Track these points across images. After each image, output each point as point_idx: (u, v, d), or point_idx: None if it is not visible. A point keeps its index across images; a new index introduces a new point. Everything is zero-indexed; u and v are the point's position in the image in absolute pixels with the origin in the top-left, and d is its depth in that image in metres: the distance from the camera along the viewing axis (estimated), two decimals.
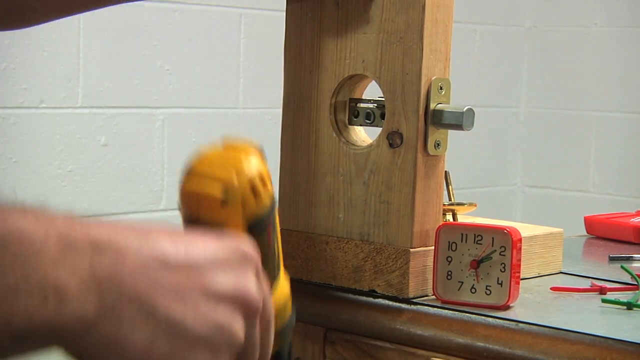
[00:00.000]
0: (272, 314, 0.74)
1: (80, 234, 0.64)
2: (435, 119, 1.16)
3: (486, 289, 1.14)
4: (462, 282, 1.15)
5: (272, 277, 0.81)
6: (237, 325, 0.69)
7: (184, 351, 0.66)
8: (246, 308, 0.70)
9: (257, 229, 0.78)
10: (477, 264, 1.14)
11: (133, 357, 0.65)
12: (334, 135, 1.22)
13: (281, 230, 1.25)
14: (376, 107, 1.20)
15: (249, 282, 0.70)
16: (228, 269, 0.69)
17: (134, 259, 0.65)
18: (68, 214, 0.66)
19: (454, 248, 1.15)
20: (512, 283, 1.13)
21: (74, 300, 0.62)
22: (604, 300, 1.18)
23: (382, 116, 1.19)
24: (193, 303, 0.67)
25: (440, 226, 1.16)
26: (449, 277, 1.15)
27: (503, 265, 1.13)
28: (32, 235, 0.62)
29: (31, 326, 0.61)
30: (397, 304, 1.17)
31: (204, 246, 0.69)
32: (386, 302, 1.17)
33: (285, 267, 1.21)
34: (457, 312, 1.14)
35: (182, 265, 0.67)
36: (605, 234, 1.69)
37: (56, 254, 0.62)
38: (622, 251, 1.55)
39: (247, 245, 0.72)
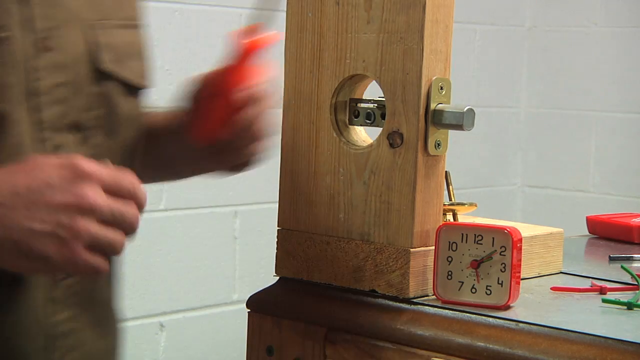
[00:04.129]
0: (125, 188, 1.01)
1: None
2: (436, 119, 1.16)
3: (486, 289, 1.14)
4: (463, 282, 1.15)
5: None
6: (77, 222, 0.98)
7: (39, 245, 0.98)
8: (80, 209, 0.98)
9: None
10: (477, 264, 1.14)
11: (9, 260, 0.99)
12: (335, 135, 1.22)
13: (282, 230, 1.26)
14: (376, 107, 1.20)
15: (80, 191, 0.98)
16: (63, 187, 0.99)
17: None
18: None
19: (454, 248, 1.15)
20: (512, 283, 1.13)
21: None
22: (604, 300, 1.18)
23: (383, 116, 1.19)
24: (38, 214, 0.98)
25: (440, 226, 1.16)
26: (449, 277, 1.15)
27: (503, 265, 1.13)
28: None
29: None
30: (398, 304, 1.17)
31: (43, 176, 0.99)
32: (386, 302, 1.17)
33: (286, 267, 1.22)
34: (457, 312, 1.14)
35: (27, 192, 0.98)
36: (607, 234, 1.70)
37: None
38: (623, 251, 1.55)
39: (79, 163, 0.99)
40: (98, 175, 1.01)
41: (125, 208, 1.01)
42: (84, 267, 0.99)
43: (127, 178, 1.03)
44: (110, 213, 1.00)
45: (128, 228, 1.02)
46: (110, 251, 1.01)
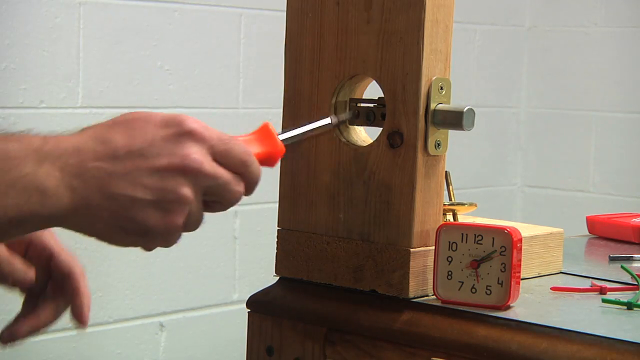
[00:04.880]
0: (236, 157, 0.92)
1: (49, 147, 0.87)
2: (436, 119, 1.16)
3: (486, 289, 1.14)
4: (463, 282, 1.15)
5: None
6: (180, 188, 0.89)
7: (141, 215, 0.89)
8: (186, 172, 0.89)
9: None
10: (477, 264, 1.14)
11: (107, 230, 0.89)
12: (335, 135, 1.22)
13: (282, 230, 1.26)
14: (376, 107, 1.20)
15: (185, 152, 0.89)
16: (167, 147, 0.89)
17: (92, 158, 0.88)
18: (42, 136, 0.88)
19: (454, 248, 1.15)
20: (512, 283, 1.13)
21: (52, 196, 0.86)
22: (604, 300, 1.18)
23: (383, 116, 1.19)
24: (141, 181, 0.88)
25: (440, 226, 1.16)
26: (449, 277, 1.15)
27: (503, 265, 1.13)
28: (15, 153, 0.86)
29: (22, 216, 0.86)
30: (398, 304, 1.17)
31: (145, 132, 0.89)
32: (386, 302, 1.17)
33: (286, 266, 1.21)
34: (457, 312, 1.14)
35: (129, 155, 0.88)
36: (607, 234, 1.70)
37: (33, 165, 0.86)
38: (623, 251, 1.55)
39: (185, 121, 0.90)
40: (207, 137, 0.91)
41: (231, 182, 0.92)
42: (175, 241, 0.92)
43: (241, 147, 0.93)
44: (215, 183, 0.91)
45: (225, 205, 0.94)
46: (193, 226, 0.93)
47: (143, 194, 0.88)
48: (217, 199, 0.93)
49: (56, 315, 1.06)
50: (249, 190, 0.94)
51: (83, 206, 0.87)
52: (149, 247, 0.94)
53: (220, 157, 0.91)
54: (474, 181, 3.11)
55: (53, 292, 1.06)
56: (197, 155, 0.90)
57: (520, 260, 1.14)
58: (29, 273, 1.04)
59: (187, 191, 0.89)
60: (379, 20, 1.18)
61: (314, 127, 1.16)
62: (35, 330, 1.04)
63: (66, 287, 1.05)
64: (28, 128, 0.91)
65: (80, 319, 1.05)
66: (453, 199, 1.32)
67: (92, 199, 0.87)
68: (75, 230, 0.90)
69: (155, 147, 0.89)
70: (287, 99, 1.25)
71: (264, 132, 1.02)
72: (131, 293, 2.32)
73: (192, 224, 0.92)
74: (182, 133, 0.90)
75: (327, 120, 1.18)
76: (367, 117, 1.21)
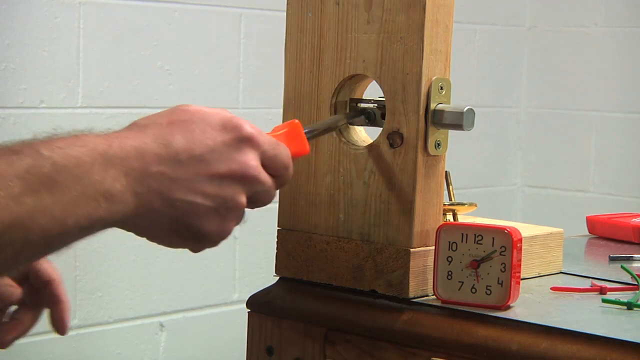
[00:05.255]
0: (282, 162, 0.95)
1: (114, 151, 0.87)
2: (436, 119, 1.16)
3: (486, 289, 1.14)
4: (463, 282, 1.15)
5: None
6: (238, 195, 0.91)
7: (199, 222, 0.90)
8: (244, 180, 0.92)
9: None
10: (477, 264, 1.14)
11: (163, 234, 0.91)
12: (335, 135, 1.22)
13: (282, 230, 1.25)
14: (377, 107, 1.20)
15: (244, 159, 0.92)
16: (226, 153, 0.91)
17: (155, 162, 0.88)
18: (105, 137, 0.88)
19: (454, 248, 1.15)
20: (512, 283, 1.13)
21: (118, 202, 0.86)
22: (604, 300, 1.18)
23: (383, 116, 1.19)
24: (201, 187, 0.89)
25: (440, 226, 1.16)
26: (449, 277, 1.15)
27: (503, 265, 1.13)
28: (83, 158, 0.85)
29: (91, 222, 0.86)
30: (398, 304, 1.17)
31: (205, 137, 0.91)
32: (386, 302, 1.17)
33: (286, 267, 1.21)
34: (457, 312, 1.14)
35: (190, 160, 0.89)
36: (607, 234, 1.70)
37: (101, 170, 0.86)
38: (623, 251, 1.55)
39: (243, 126, 0.92)
40: (261, 142, 0.93)
41: (273, 185, 0.95)
42: (222, 241, 0.94)
43: (286, 152, 0.96)
44: (263, 189, 0.94)
45: (261, 206, 0.96)
46: (236, 227, 0.96)
47: (202, 201, 0.90)
48: (258, 200, 0.95)
49: (36, 321, 1.07)
50: (278, 189, 0.98)
51: (145, 211, 0.89)
52: (198, 250, 0.96)
53: (269, 161, 0.95)
54: (474, 181, 3.11)
55: (32, 299, 1.06)
56: (254, 162, 0.92)
57: (520, 260, 1.14)
58: (15, 293, 1.06)
59: (243, 198, 0.92)
60: (379, 20, 1.18)
61: (330, 123, 1.18)
62: (19, 337, 1.06)
63: (46, 294, 1.06)
64: (88, 128, 0.91)
65: (61, 326, 1.06)
66: (453, 199, 1.32)
67: (154, 204, 0.89)
68: (130, 232, 0.91)
69: (215, 153, 0.91)
70: (287, 99, 1.25)
71: (294, 131, 1.04)
72: (131, 293, 2.32)
73: (237, 225, 0.95)
74: (241, 139, 0.92)
75: (341, 116, 1.19)
76: (367, 117, 1.21)
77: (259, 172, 0.93)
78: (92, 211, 0.85)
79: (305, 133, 1.06)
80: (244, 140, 0.92)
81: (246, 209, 0.96)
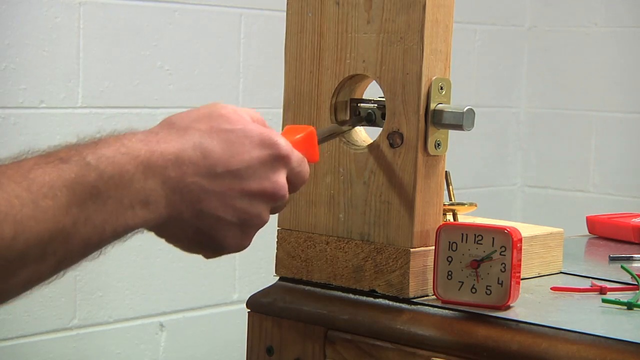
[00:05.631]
0: (303, 178, 0.98)
1: (155, 159, 0.88)
2: (436, 119, 1.16)
3: (486, 289, 1.14)
4: (463, 282, 1.15)
5: None
6: (264, 213, 0.94)
7: (222, 235, 0.92)
8: (273, 199, 0.94)
9: None
10: (477, 264, 1.14)
11: (186, 242, 0.93)
12: None
13: (282, 230, 1.25)
14: (377, 107, 1.20)
15: (277, 179, 0.94)
16: (261, 171, 0.93)
17: (191, 173, 0.89)
18: (146, 141, 0.88)
19: (454, 248, 1.15)
20: (512, 283, 1.13)
21: (154, 211, 0.88)
22: (604, 300, 1.18)
23: (383, 116, 1.19)
24: (232, 202, 0.91)
25: (440, 226, 1.16)
26: (449, 277, 1.15)
27: (503, 265, 1.13)
28: (126, 167, 0.86)
29: (126, 230, 0.88)
30: (398, 304, 1.17)
31: (243, 151, 0.92)
32: (386, 302, 1.17)
33: (286, 267, 1.21)
34: (457, 312, 1.14)
35: (226, 174, 0.91)
36: (607, 234, 1.70)
37: (141, 179, 0.87)
38: (623, 251, 1.55)
39: (280, 145, 0.94)
40: (292, 161, 0.96)
41: (288, 199, 0.97)
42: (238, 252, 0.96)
43: (307, 169, 0.99)
44: (283, 204, 0.96)
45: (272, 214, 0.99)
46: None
47: (230, 216, 0.92)
48: (273, 213, 0.98)
49: None
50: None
51: (174, 220, 0.90)
52: (211, 257, 0.98)
53: (293, 177, 0.97)
54: (474, 181, 3.11)
55: None
56: (284, 181, 0.95)
57: (520, 260, 1.14)
58: None
59: (268, 216, 0.95)
60: (379, 20, 1.18)
61: (335, 129, 1.19)
62: None
63: None
64: (129, 128, 0.91)
65: None
66: (453, 199, 1.32)
67: (184, 215, 0.90)
68: (153, 233, 0.93)
69: (250, 169, 0.92)
70: (287, 99, 1.25)
71: (310, 139, 1.05)
72: (131, 293, 2.32)
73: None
74: (277, 158, 0.94)
75: (347, 124, 1.21)
76: (367, 117, 1.21)
77: (286, 192, 0.95)
78: (129, 219, 0.87)
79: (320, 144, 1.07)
80: (279, 159, 0.94)
81: None
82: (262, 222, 0.95)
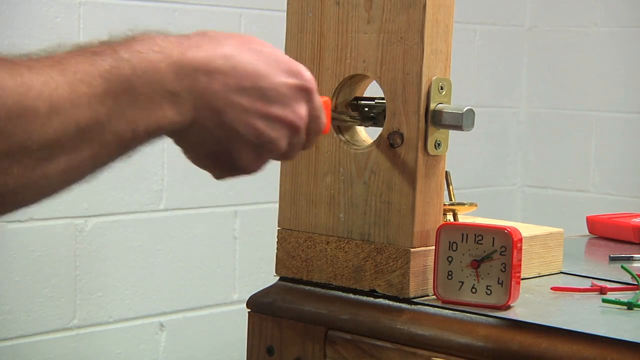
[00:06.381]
0: (319, 126, 0.98)
1: (187, 61, 0.88)
2: (436, 119, 1.16)
3: (487, 289, 1.14)
4: (463, 282, 1.15)
5: None
6: (281, 140, 0.93)
7: (237, 149, 0.92)
8: (291, 128, 0.94)
9: None
10: (477, 264, 1.14)
11: (203, 152, 0.93)
12: (335, 135, 1.22)
13: (282, 230, 1.26)
14: (377, 107, 1.20)
15: (299, 109, 0.94)
16: (286, 100, 0.93)
17: (220, 82, 0.89)
18: (179, 44, 0.88)
19: (454, 248, 1.15)
20: (512, 283, 1.13)
21: (181, 113, 0.87)
22: (604, 300, 1.18)
23: (383, 116, 1.19)
24: (253, 121, 0.91)
25: (440, 226, 1.16)
26: (449, 277, 1.15)
27: (503, 265, 1.13)
28: (159, 65, 0.86)
29: (156, 129, 0.87)
30: (398, 304, 1.17)
31: (271, 77, 0.92)
32: (387, 302, 1.17)
33: (286, 266, 1.21)
34: (457, 312, 1.14)
35: (253, 92, 0.91)
36: (607, 234, 1.70)
37: (173, 80, 0.87)
38: (623, 251, 1.55)
39: (307, 77, 0.95)
40: (314, 100, 0.96)
41: (302, 145, 0.98)
42: (246, 175, 0.96)
43: (324, 120, 0.99)
44: (298, 142, 0.97)
45: (283, 159, 1.00)
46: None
47: (249, 134, 0.91)
48: (287, 152, 0.97)
49: None
50: (300, 150, 1.00)
51: (198, 127, 0.90)
52: (220, 178, 0.98)
53: (311, 121, 0.97)
54: (474, 181, 3.11)
55: None
56: (305, 114, 0.95)
57: (520, 260, 1.14)
58: None
59: (284, 145, 0.95)
60: (379, 20, 1.18)
61: (348, 118, 1.20)
62: None
63: None
64: (161, 30, 0.91)
65: None
66: (453, 199, 1.32)
67: (207, 122, 0.90)
68: (179, 146, 0.93)
69: (275, 92, 0.92)
70: None
71: (324, 106, 1.04)
72: (131, 293, 2.32)
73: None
74: (302, 89, 0.95)
75: (355, 117, 1.21)
76: (367, 117, 1.21)
77: (304, 126, 0.95)
78: (160, 118, 0.86)
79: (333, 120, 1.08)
80: (304, 90, 0.95)
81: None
82: (277, 150, 0.94)
